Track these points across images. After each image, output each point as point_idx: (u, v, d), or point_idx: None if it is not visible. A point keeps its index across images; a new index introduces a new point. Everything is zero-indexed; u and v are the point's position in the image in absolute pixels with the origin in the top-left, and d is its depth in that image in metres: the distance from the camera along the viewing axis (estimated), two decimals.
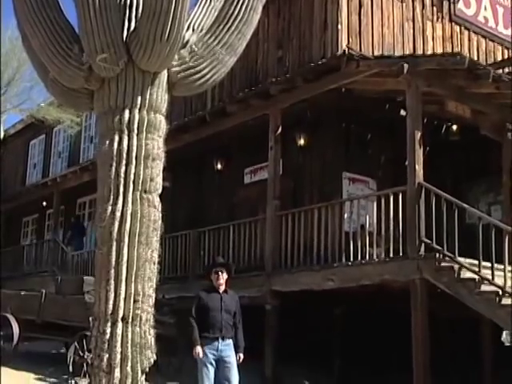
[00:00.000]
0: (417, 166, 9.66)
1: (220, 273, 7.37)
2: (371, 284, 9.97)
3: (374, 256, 10.13)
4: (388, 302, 10.60)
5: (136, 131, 5.17)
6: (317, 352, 11.58)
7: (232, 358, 7.23)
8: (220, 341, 7.17)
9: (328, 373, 11.47)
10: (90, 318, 5.32)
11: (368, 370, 11.35)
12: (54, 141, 24.08)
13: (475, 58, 13.32)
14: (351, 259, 10.35)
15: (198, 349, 7.11)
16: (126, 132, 5.16)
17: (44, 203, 21.39)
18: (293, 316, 11.62)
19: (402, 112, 10.47)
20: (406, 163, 9.90)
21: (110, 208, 4.98)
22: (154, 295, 5.03)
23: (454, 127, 12.67)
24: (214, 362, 7.14)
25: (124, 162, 5.09)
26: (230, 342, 7.26)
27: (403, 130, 9.99)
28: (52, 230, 19.95)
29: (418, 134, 9.77)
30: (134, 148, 5.13)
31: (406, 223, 9.64)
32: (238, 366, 7.29)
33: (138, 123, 5.20)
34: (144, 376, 4.87)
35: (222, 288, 7.40)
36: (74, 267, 17.84)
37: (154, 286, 5.04)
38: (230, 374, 7.18)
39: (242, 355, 7.36)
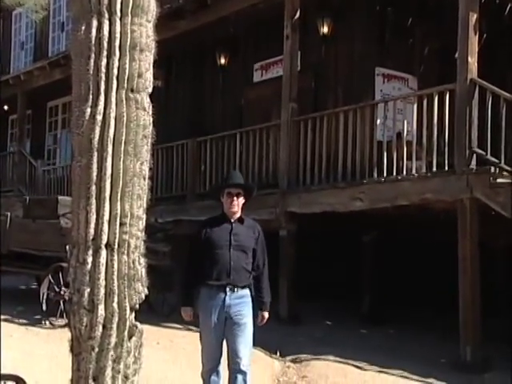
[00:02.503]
0: (470, 59, 9.54)
1: (235, 197, 6.33)
2: (409, 205, 10.05)
3: (413, 170, 10.17)
4: (429, 226, 10.69)
5: (119, 14, 5.09)
6: (341, 287, 11.78)
7: (246, 318, 6.20)
8: (228, 292, 6.15)
9: (354, 311, 11.68)
10: (67, 246, 5.39)
11: (404, 309, 11.55)
12: (13, 28, 23.83)
13: None
14: (384, 174, 10.39)
15: (186, 310, 6.33)
16: (106, 15, 5.08)
17: (5, 107, 21.40)
18: (312, 244, 11.77)
19: None
20: (456, 55, 9.80)
21: (88, 110, 4.95)
22: (144, 217, 5.05)
23: None
24: (220, 321, 6.14)
25: (105, 53, 5.02)
26: (244, 293, 6.24)
27: (454, 13, 9.84)
28: (17, 141, 20.02)
29: (473, 18, 9.61)
30: (117, 35, 5.06)
31: (453, 130, 9.63)
32: (255, 328, 6.31)
33: (122, 4, 5.10)
34: (133, 314, 4.96)
35: (236, 217, 6.36)
36: (46, 185, 18.08)
37: (145, 206, 5.05)
38: (238, 343, 6.13)
39: (266, 314, 6.49)
